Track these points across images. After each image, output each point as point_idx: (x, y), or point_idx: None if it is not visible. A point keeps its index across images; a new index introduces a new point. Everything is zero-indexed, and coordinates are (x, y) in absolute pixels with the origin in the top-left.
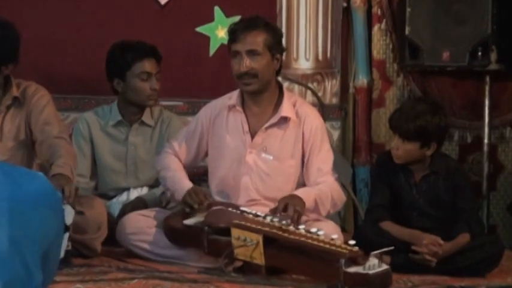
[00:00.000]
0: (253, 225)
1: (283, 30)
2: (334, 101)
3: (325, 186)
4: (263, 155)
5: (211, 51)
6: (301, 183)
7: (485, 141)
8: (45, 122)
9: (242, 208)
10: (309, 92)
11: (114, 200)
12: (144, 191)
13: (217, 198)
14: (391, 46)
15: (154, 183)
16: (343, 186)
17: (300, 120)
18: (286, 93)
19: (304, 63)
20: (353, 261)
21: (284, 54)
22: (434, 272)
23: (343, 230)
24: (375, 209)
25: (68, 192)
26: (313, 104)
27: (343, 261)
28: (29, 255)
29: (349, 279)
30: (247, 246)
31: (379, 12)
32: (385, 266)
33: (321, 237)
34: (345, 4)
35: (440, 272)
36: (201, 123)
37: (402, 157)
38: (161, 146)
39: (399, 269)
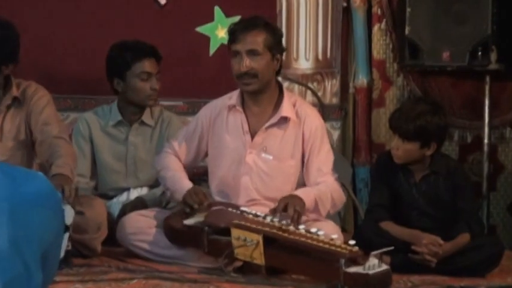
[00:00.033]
0: (253, 225)
1: (283, 30)
2: (334, 101)
3: (324, 187)
4: (263, 155)
5: (211, 51)
6: (301, 183)
7: (485, 141)
8: (45, 122)
9: (242, 208)
10: (309, 92)
11: (114, 200)
12: (144, 191)
13: (217, 198)
14: (391, 46)
15: (154, 183)
16: (343, 186)
17: (300, 120)
18: (286, 93)
19: (304, 63)
20: (353, 261)
21: (284, 54)
22: (434, 272)
23: (343, 230)
24: (374, 209)
25: (67, 192)
26: (313, 104)
27: (343, 261)
28: (29, 255)
29: (349, 279)
30: (247, 246)
31: (379, 12)
32: (385, 266)
33: (321, 237)
34: (344, 4)
35: (440, 272)
36: (201, 123)
37: (402, 157)
38: (161, 146)
39: (399, 269)
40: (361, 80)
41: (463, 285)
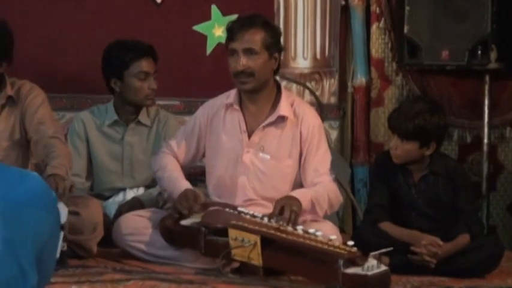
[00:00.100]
0: (251, 226)
1: (281, 28)
2: (333, 100)
3: (321, 187)
4: (260, 154)
5: (208, 50)
6: (299, 183)
7: (485, 141)
8: (40, 122)
9: (239, 208)
10: (307, 91)
11: (110, 200)
12: (140, 191)
13: (215, 198)
14: (389, 45)
15: (150, 184)
16: (341, 186)
17: (298, 120)
18: (284, 93)
19: (302, 62)
20: (351, 262)
21: (282, 53)
22: (433, 273)
23: (342, 230)
24: (373, 209)
25: (61, 190)
26: (311, 104)
27: (341, 262)
28: (23, 256)
29: (348, 281)
30: (245, 247)
31: (377, 10)
32: (384, 267)
33: (319, 238)
34: (343, 2)
35: (439, 273)
36: (199, 123)
37: (401, 157)
38: (158, 146)
39: (398, 270)
40: (360, 79)
41: (462, 286)
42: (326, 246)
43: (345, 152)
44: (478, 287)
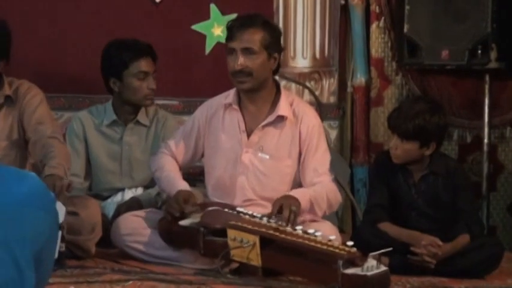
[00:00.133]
0: (250, 226)
1: (280, 28)
2: (332, 100)
3: (320, 187)
4: (260, 154)
5: (207, 50)
6: (298, 183)
7: (485, 140)
8: (38, 122)
9: (238, 209)
10: (306, 91)
11: (109, 200)
12: (139, 191)
13: (214, 198)
14: (389, 44)
15: (149, 184)
16: (340, 186)
17: (297, 120)
18: (283, 92)
19: (301, 62)
20: (351, 262)
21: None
22: (433, 274)
23: (341, 231)
24: (373, 209)
25: (58, 188)
26: (311, 103)
27: (341, 262)
28: (21, 257)
29: (347, 281)
30: (244, 248)
31: (377, 9)
32: (383, 268)
33: (319, 239)
34: (342, 1)
35: (439, 273)
36: (198, 123)
37: (401, 157)
38: (156, 146)
39: (398, 271)
40: (359, 78)
41: (462, 287)
42: (325, 247)
43: (345, 152)
44: None
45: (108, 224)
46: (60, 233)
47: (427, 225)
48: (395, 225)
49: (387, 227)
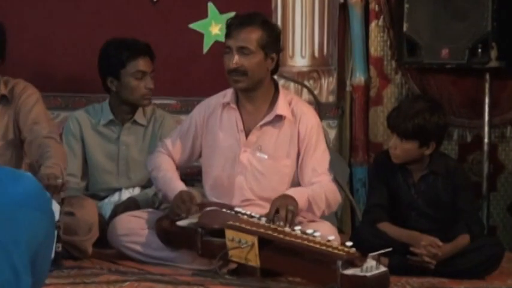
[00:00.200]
0: (248, 227)
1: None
2: (331, 99)
3: (319, 187)
4: (258, 154)
5: (205, 49)
6: (296, 183)
7: (485, 140)
8: (34, 122)
9: (236, 209)
10: (305, 90)
11: (106, 200)
12: (136, 191)
13: (212, 198)
14: (388, 43)
15: (146, 184)
16: (340, 186)
17: (296, 119)
18: (282, 92)
19: (300, 61)
20: (350, 263)
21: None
22: (433, 274)
23: (340, 231)
24: (372, 209)
25: (52, 188)
26: (310, 103)
27: (340, 263)
28: (17, 258)
29: (346, 282)
30: (242, 248)
31: (376, 8)
32: (383, 268)
33: (318, 239)
34: (341, 0)
35: (439, 274)
36: (195, 122)
37: (400, 156)
38: (154, 146)
39: (397, 271)
40: (359, 77)
41: None
42: (324, 247)
43: (344, 151)
44: None
45: (105, 224)
46: (56, 233)
47: (427, 226)
48: (395, 225)
49: (387, 227)
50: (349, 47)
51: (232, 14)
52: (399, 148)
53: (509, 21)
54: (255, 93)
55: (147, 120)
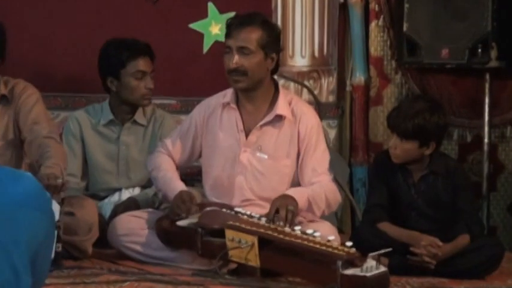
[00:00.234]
0: (248, 227)
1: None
2: (331, 99)
3: (318, 187)
4: (258, 154)
5: (205, 49)
6: (296, 183)
7: (486, 140)
8: (34, 122)
9: (236, 209)
10: (305, 90)
11: (106, 200)
12: (136, 191)
13: (212, 199)
14: (388, 43)
15: (146, 184)
16: (340, 186)
17: (296, 119)
18: (282, 91)
19: (300, 61)
20: (350, 263)
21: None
22: (433, 274)
23: (340, 231)
24: (372, 209)
25: (52, 188)
26: (310, 102)
27: (340, 263)
28: (17, 258)
29: (346, 282)
30: (242, 248)
31: (376, 8)
32: (383, 268)
33: (318, 239)
34: (341, 0)
35: (439, 274)
36: (195, 122)
37: (400, 156)
38: (154, 146)
39: (397, 271)
40: (359, 77)
41: None
42: (324, 247)
43: (344, 151)
44: None
45: (105, 224)
46: (56, 233)
47: (427, 226)
48: (395, 225)
49: (386, 227)
50: (349, 47)
51: (232, 14)
52: (399, 148)
53: (509, 21)
54: (255, 93)
55: (147, 120)
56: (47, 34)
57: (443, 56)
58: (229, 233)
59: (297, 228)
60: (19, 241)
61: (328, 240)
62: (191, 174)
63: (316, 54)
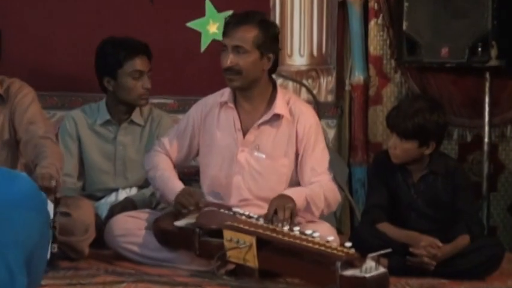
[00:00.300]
0: (246, 227)
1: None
2: (330, 98)
3: (317, 186)
4: (256, 153)
5: (203, 47)
6: (295, 183)
7: (486, 140)
8: (30, 121)
9: (234, 209)
10: (303, 89)
11: (102, 200)
12: (133, 191)
13: (209, 198)
14: (388, 42)
15: (143, 184)
16: (339, 186)
17: (294, 118)
18: (280, 91)
19: (298, 60)
20: (349, 264)
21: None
22: (432, 275)
23: (339, 231)
24: (371, 209)
25: (46, 188)
26: (308, 102)
27: (339, 264)
28: (12, 258)
29: (346, 283)
30: (240, 249)
31: (375, 6)
32: (382, 269)
33: (317, 239)
34: None
35: (439, 274)
36: (192, 121)
37: (400, 156)
38: (151, 146)
39: (397, 272)
40: (358, 76)
41: None
42: (323, 248)
43: (343, 151)
44: None
45: (101, 224)
46: (52, 233)
47: (427, 226)
48: (395, 225)
49: (386, 227)
50: (348, 46)
51: (229, 13)
52: (399, 148)
53: (509, 20)
54: (252, 92)
55: (144, 120)
56: (45, 34)
57: (443, 55)
58: (227, 234)
59: (296, 228)
60: (14, 241)
61: (327, 241)
62: (188, 174)
63: (315, 53)
